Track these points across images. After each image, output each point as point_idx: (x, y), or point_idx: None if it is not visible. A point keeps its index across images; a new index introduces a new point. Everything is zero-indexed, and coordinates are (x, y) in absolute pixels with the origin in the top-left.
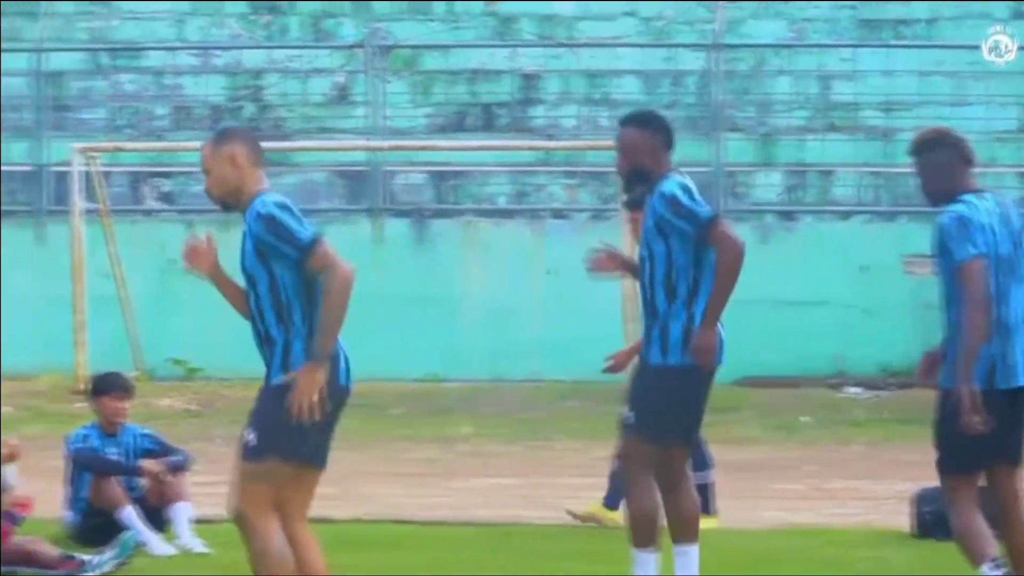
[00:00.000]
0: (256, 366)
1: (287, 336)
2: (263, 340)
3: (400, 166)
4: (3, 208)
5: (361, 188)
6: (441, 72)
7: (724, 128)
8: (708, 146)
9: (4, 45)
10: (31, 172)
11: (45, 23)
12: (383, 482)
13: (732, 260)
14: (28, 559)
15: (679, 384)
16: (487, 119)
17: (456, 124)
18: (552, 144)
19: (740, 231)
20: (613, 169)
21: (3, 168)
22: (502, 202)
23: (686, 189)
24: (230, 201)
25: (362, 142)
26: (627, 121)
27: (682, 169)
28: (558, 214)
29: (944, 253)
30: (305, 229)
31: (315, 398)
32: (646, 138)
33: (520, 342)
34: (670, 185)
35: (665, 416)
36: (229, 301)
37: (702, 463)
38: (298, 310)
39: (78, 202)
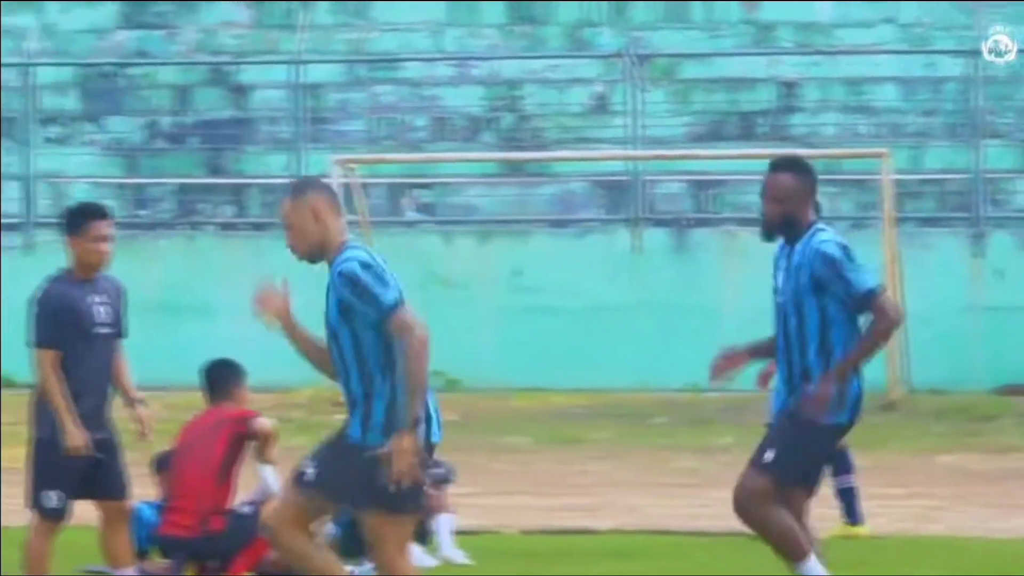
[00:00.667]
0: (516, 377)
1: (368, 395)
2: (346, 395)
3: (659, 175)
4: (263, 220)
5: (620, 198)
6: (700, 80)
7: (984, 135)
8: (968, 153)
9: (263, 58)
10: (290, 184)
11: (303, 35)
12: (644, 492)
13: (885, 330)
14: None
15: (817, 436)
16: (746, 127)
17: (715, 133)
18: (811, 152)
19: (1000, 238)
20: (872, 177)
21: (262, 180)
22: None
23: (846, 250)
24: (315, 255)
25: (621, 152)
26: (781, 166)
27: (939, 177)
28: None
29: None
30: (388, 291)
31: (412, 463)
32: (800, 185)
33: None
34: (831, 247)
35: (799, 461)
36: (302, 353)
37: (845, 467)
38: (379, 370)
39: None
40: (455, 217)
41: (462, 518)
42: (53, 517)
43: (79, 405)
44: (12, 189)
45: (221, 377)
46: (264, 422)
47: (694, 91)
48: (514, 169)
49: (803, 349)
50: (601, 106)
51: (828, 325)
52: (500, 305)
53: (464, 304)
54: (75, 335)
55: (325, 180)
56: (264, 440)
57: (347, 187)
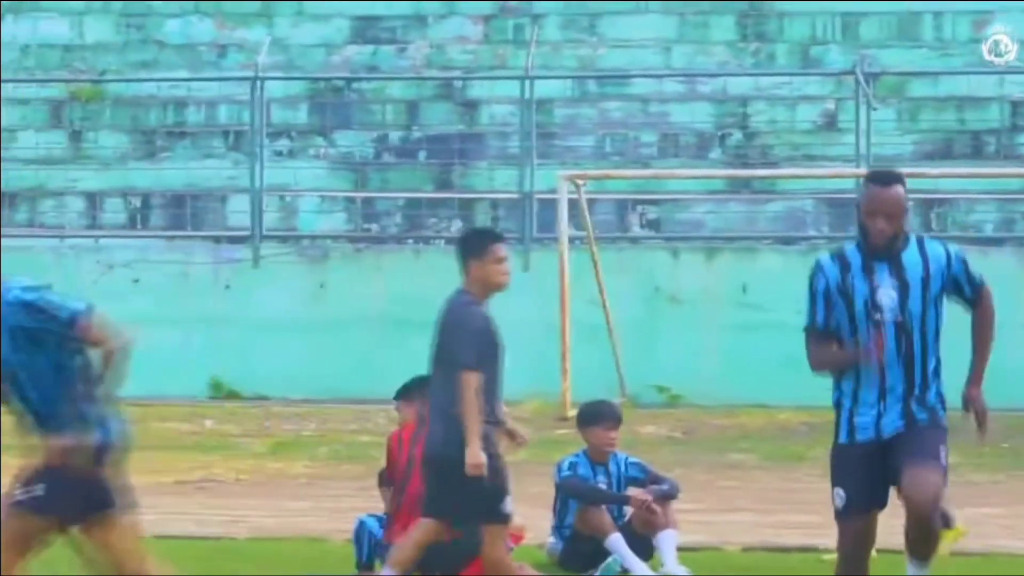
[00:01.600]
0: (741, 393)
1: None
2: None
3: None
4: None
5: (847, 215)
6: (928, 99)
7: None
8: None
9: (493, 73)
10: (518, 199)
11: (533, 51)
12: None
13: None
14: None
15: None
16: (975, 146)
17: (943, 151)
18: None
19: None
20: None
21: (490, 195)
22: (989, 230)
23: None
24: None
25: (849, 170)
26: (889, 180)
27: None
28: None
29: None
30: None
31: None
32: (905, 198)
33: (1005, 369)
34: (955, 248)
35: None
36: None
37: None
38: None
39: (565, 229)
40: (682, 233)
41: (685, 534)
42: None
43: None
44: (241, 202)
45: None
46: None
47: (923, 109)
48: (741, 186)
49: (925, 362)
50: (829, 123)
51: (940, 334)
52: (726, 322)
53: (690, 320)
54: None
55: (550, 196)
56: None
57: (574, 202)
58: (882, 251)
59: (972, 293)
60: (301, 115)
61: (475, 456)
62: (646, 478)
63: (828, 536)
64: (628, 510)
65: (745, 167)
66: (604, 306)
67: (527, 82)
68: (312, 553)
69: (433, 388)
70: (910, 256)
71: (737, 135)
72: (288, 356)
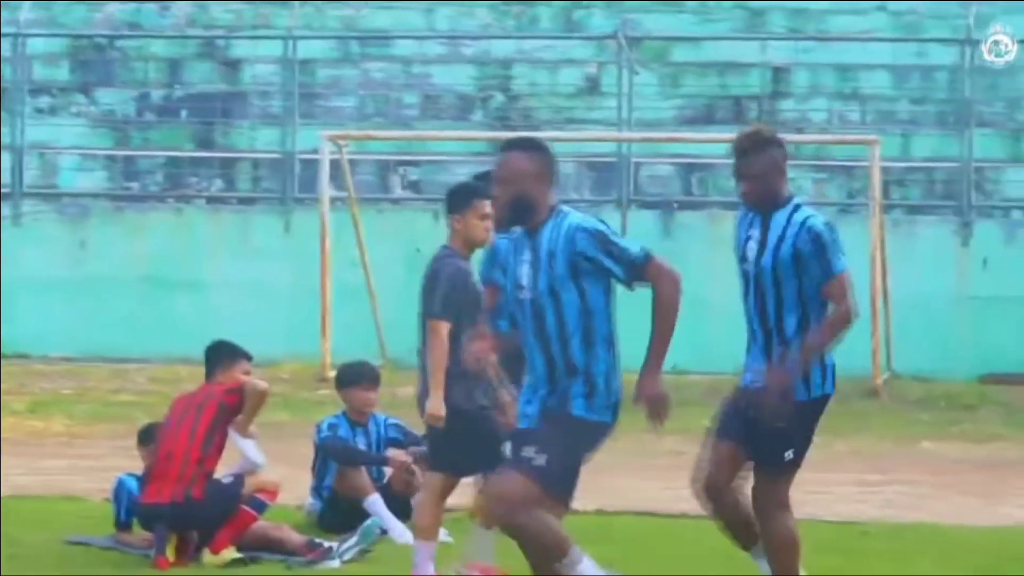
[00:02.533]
0: None
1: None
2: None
3: (648, 158)
4: (252, 195)
5: (609, 179)
6: (691, 64)
7: (973, 124)
8: (957, 142)
9: (255, 32)
10: (280, 159)
11: (296, 11)
12: (628, 475)
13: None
14: (273, 545)
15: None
16: (736, 112)
17: (705, 117)
18: (801, 137)
19: (987, 228)
20: (860, 163)
21: (251, 155)
22: None
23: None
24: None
25: (611, 133)
26: (511, 145)
27: (928, 166)
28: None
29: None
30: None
31: None
32: (533, 164)
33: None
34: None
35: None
36: None
37: None
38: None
39: (327, 189)
40: (443, 195)
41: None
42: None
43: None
44: (2, 159)
45: (216, 355)
46: (258, 382)
47: (685, 74)
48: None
49: (565, 346)
50: (592, 87)
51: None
52: None
53: None
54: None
55: (313, 156)
56: (254, 401)
57: (336, 163)
58: (513, 224)
59: (624, 273)
60: (63, 72)
61: (436, 407)
62: (406, 440)
63: (586, 501)
64: (387, 471)
65: (507, 129)
66: (365, 268)
67: (290, 42)
68: (71, 511)
69: (421, 345)
70: (547, 231)
71: (499, 97)
72: (48, 314)
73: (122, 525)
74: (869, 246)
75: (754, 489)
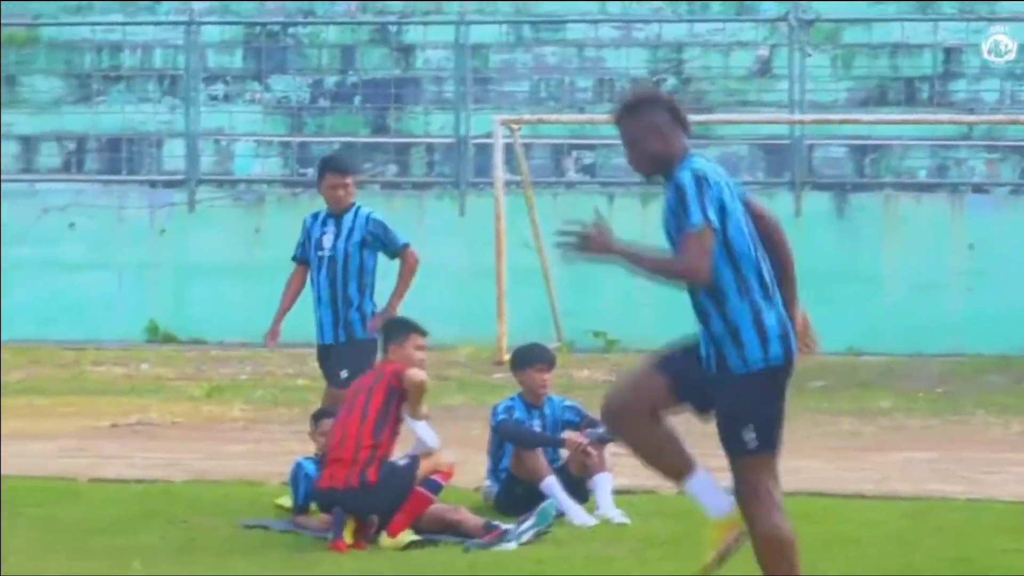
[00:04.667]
0: (674, 338)
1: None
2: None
3: (821, 140)
4: (426, 180)
5: (782, 161)
6: (863, 46)
7: None
8: None
9: (428, 18)
10: (453, 144)
11: None
12: (803, 455)
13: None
14: (450, 527)
15: None
16: (908, 93)
17: (877, 98)
18: (973, 118)
19: None
20: None
21: (425, 140)
22: (922, 176)
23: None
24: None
25: (784, 115)
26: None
27: None
28: (978, 188)
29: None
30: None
31: None
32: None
33: (940, 316)
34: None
35: None
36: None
37: None
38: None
39: (500, 174)
40: (617, 178)
41: (620, 478)
42: None
43: None
44: (176, 147)
45: (390, 331)
46: (415, 373)
47: (856, 56)
48: None
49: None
50: (763, 70)
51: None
52: None
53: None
54: None
55: (486, 141)
56: (414, 391)
57: (510, 147)
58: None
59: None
60: (236, 60)
61: None
62: (581, 421)
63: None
64: (564, 453)
65: None
66: (540, 251)
67: (462, 27)
68: (249, 496)
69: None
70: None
71: (672, 81)
72: (224, 300)
73: (300, 509)
74: None
75: (734, 484)
